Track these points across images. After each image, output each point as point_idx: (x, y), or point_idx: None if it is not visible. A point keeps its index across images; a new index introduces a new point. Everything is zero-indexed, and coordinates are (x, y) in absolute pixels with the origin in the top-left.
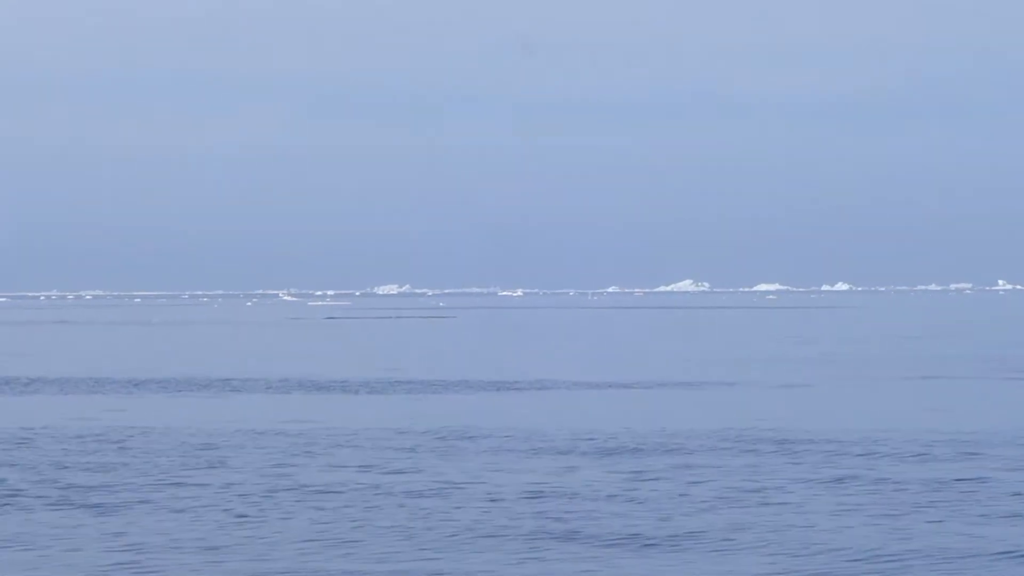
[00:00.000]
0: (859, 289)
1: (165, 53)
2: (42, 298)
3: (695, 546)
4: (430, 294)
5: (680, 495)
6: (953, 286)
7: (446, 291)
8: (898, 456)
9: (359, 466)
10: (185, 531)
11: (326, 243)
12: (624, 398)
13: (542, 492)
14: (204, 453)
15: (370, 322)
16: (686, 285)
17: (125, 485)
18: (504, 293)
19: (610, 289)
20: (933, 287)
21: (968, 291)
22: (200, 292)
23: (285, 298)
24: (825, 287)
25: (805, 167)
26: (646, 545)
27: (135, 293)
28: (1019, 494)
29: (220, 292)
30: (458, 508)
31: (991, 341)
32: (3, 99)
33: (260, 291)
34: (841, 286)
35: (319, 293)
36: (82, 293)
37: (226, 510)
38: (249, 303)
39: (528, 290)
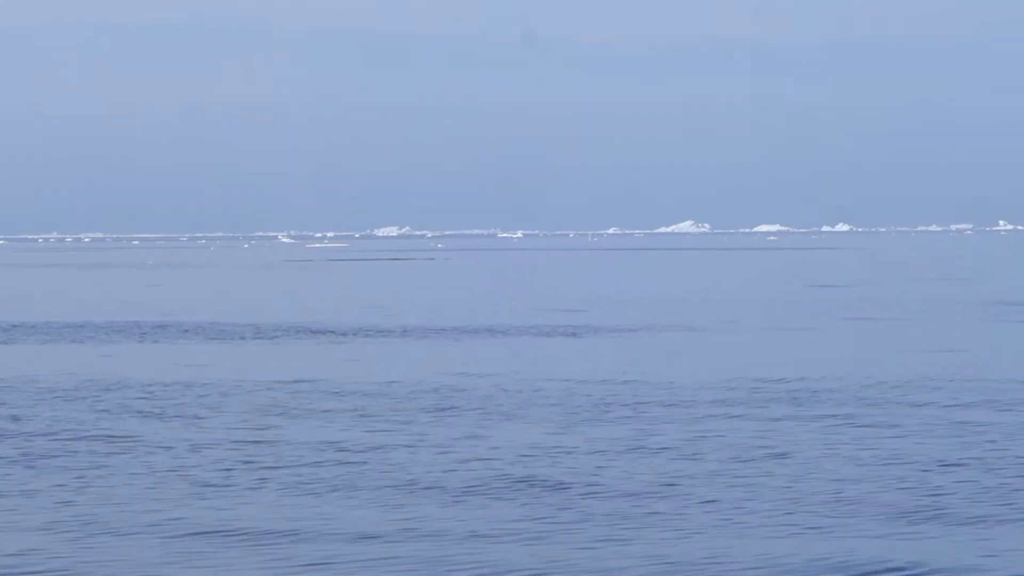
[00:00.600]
0: (860, 230)
1: (175, 9)
2: (40, 241)
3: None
4: (429, 236)
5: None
6: (954, 227)
7: (446, 233)
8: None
9: (347, 423)
10: (140, 498)
11: (327, 186)
12: (617, 345)
13: (539, 452)
14: (179, 407)
15: (364, 264)
16: (687, 226)
17: (88, 438)
18: (504, 235)
19: (610, 230)
20: (934, 228)
21: (969, 232)
22: (200, 235)
23: (284, 240)
24: (826, 228)
25: (808, 110)
26: (649, 512)
27: (134, 236)
28: None
29: (220, 235)
30: (450, 471)
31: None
32: (12, 44)
33: (260, 233)
34: (842, 227)
35: (318, 235)
36: (81, 236)
37: (192, 473)
38: (246, 245)
39: (528, 231)
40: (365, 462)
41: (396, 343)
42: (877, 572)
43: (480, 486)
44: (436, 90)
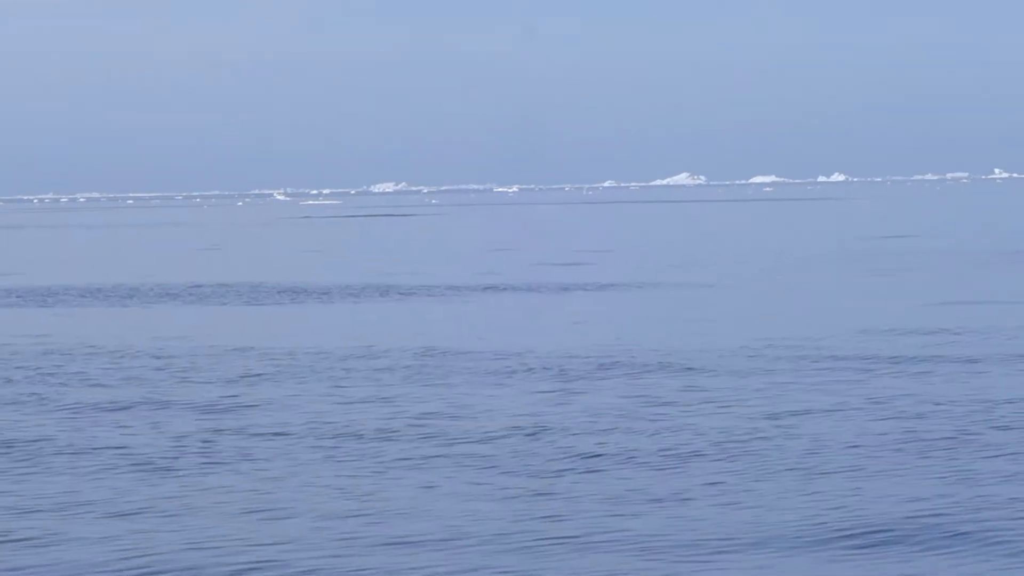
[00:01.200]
0: (855, 180)
1: None
2: (35, 201)
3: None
4: (425, 191)
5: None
6: (949, 175)
7: (443, 188)
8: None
9: (320, 394)
10: (86, 491)
11: (324, 142)
12: (607, 301)
13: (539, 422)
14: (139, 380)
15: (347, 221)
16: (683, 178)
17: (34, 422)
18: (500, 189)
19: (606, 183)
20: (930, 176)
21: (964, 180)
22: (196, 193)
23: (279, 198)
24: (821, 178)
25: (800, 59)
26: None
27: (130, 195)
28: None
29: (216, 193)
30: (446, 446)
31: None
32: None
33: (256, 191)
34: (837, 177)
35: (315, 192)
36: (77, 196)
37: (142, 460)
38: (240, 203)
39: (524, 186)
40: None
41: (389, 303)
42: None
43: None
44: (431, 43)
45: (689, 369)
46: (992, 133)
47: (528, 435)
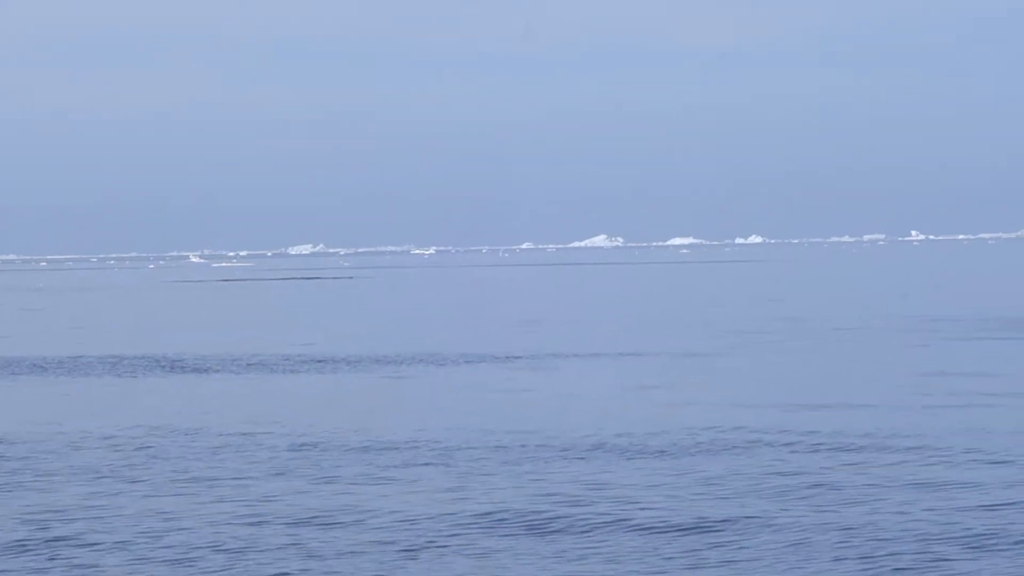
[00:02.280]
0: (773, 241)
1: (78, 17)
2: None
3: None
4: (343, 253)
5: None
6: (866, 237)
7: (360, 250)
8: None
9: (203, 482)
10: None
11: (243, 205)
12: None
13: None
14: None
15: (256, 284)
16: (600, 240)
17: None
18: (416, 251)
19: (524, 245)
20: (847, 238)
21: (881, 242)
22: (113, 255)
23: (194, 260)
24: (739, 240)
25: (717, 121)
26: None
27: (46, 257)
28: None
29: (133, 255)
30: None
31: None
32: None
33: (175, 253)
34: (755, 239)
35: (231, 254)
36: None
37: None
38: (152, 266)
39: (441, 248)
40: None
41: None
42: None
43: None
44: (352, 104)
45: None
46: (909, 196)
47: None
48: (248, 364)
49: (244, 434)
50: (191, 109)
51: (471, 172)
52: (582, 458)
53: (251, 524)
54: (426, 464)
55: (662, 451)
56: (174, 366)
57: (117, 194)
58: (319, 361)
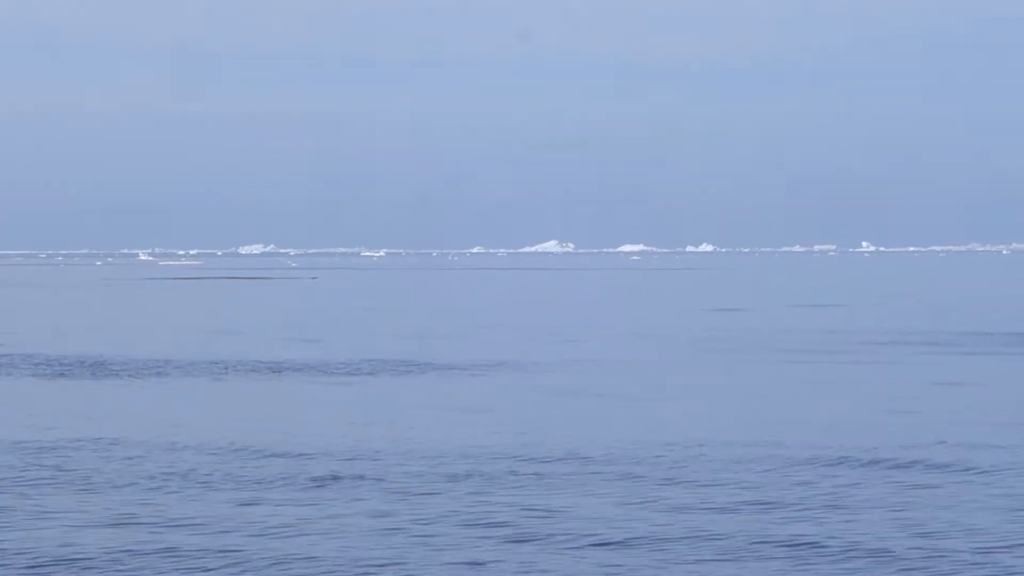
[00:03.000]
0: (723, 250)
1: (34, 13)
2: None
3: None
4: (292, 254)
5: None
6: (817, 247)
7: (310, 251)
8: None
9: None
10: None
11: (195, 203)
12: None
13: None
14: None
15: (191, 284)
16: (551, 246)
17: None
18: (367, 253)
19: (475, 249)
20: (797, 248)
21: (832, 253)
22: (63, 252)
23: (143, 258)
24: (690, 248)
25: (672, 130)
26: None
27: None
28: None
29: (84, 251)
30: None
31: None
32: None
33: (126, 250)
34: (706, 247)
35: (181, 253)
36: None
37: None
38: (99, 263)
39: (392, 250)
40: None
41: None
42: None
43: None
44: (306, 105)
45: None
46: (860, 207)
47: None
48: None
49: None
50: (147, 108)
51: (424, 175)
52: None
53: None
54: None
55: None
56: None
57: (70, 191)
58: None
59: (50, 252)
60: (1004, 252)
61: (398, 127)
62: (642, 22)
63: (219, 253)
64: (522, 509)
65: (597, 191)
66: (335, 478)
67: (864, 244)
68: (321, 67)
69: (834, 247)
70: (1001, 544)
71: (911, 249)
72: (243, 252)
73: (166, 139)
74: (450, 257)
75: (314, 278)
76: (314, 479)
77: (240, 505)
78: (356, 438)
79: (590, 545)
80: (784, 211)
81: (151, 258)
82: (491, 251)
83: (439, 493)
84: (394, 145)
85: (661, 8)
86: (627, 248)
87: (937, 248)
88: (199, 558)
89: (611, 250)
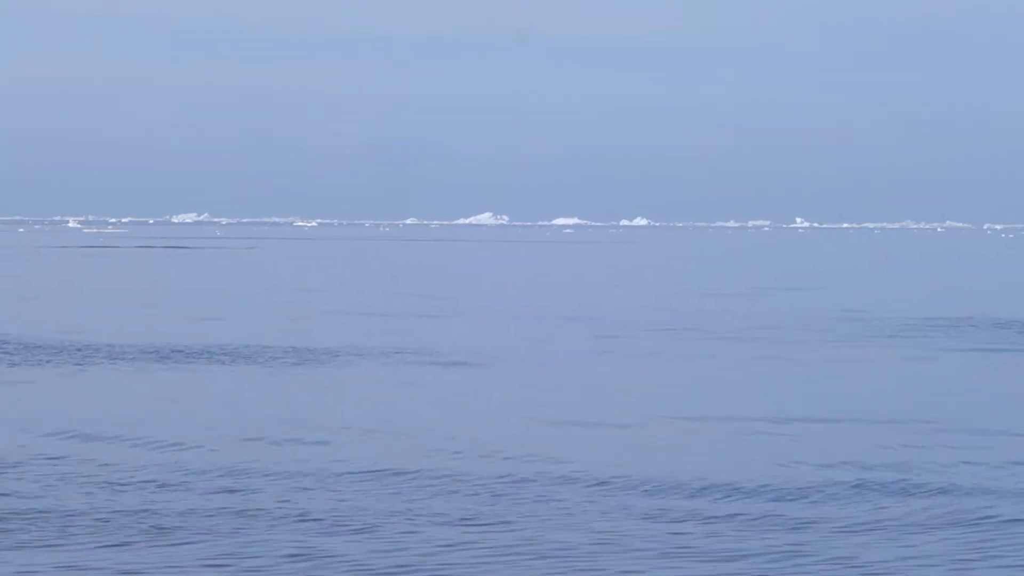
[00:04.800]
0: (657, 224)
1: None
2: None
3: None
4: (224, 223)
5: None
6: (751, 223)
7: (243, 220)
8: None
9: None
10: None
11: (128, 170)
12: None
13: None
14: None
15: (106, 252)
16: (486, 218)
17: None
18: (300, 223)
19: (408, 221)
20: (732, 224)
21: (766, 228)
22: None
23: (71, 225)
24: (624, 222)
25: (609, 106)
26: None
27: None
28: None
29: (17, 218)
30: None
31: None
32: None
33: (57, 217)
34: (640, 221)
35: (113, 220)
36: None
37: None
38: (21, 229)
39: (325, 221)
40: None
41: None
42: None
43: None
44: (252, 77)
45: None
46: (794, 183)
47: None
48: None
49: None
50: (88, 76)
51: (358, 146)
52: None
53: None
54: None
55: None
56: None
57: (7, 157)
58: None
59: None
60: (939, 230)
61: (338, 98)
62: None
63: (151, 221)
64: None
65: (532, 164)
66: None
67: (798, 220)
68: (257, 40)
69: (768, 223)
70: None
71: (845, 226)
72: (175, 220)
73: (103, 108)
74: (381, 228)
75: (252, 248)
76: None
77: None
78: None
79: None
80: (720, 186)
81: (78, 225)
82: (424, 222)
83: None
84: (332, 116)
85: None
86: (561, 221)
87: (871, 225)
88: None
89: (545, 223)
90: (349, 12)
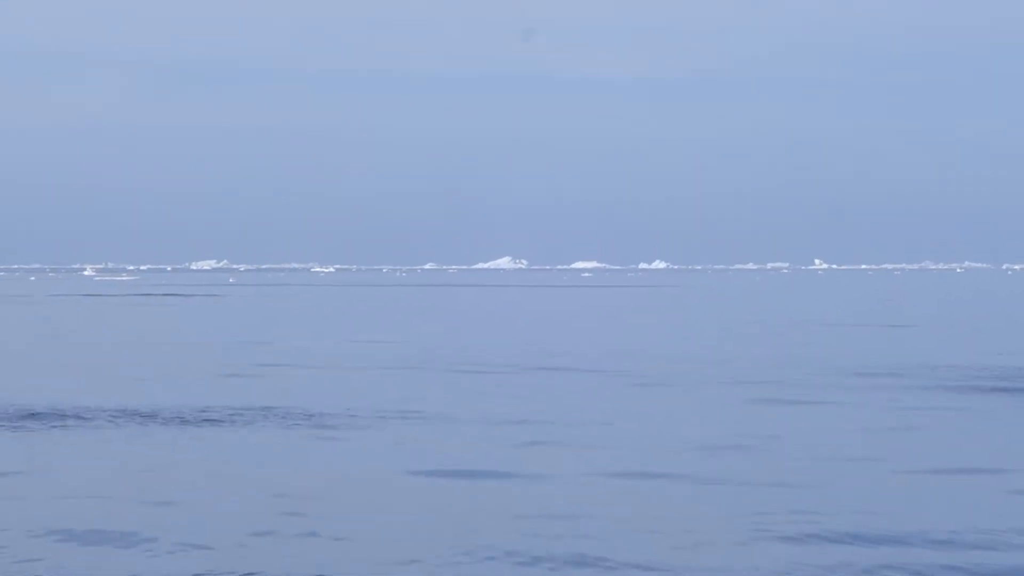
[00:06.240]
0: (676, 267)
1: None
2: None
3: None
4: (242, 270)
5: None
6: (770, 265)
7: (263, 267)
8: None
9: None
10: None
11: (151, 217)
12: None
13: None
14: None
15: (113, 301)
16: (505, 262)
17: None
18: (317, 269)
19: (427, 266)
20: (751, 266)
21: (785, 270)
22: (16, 266)
23: (86, 273)
24: (643, 265)
25: (626, 146)
26: None
27: None
28: None
29: (36, 266)
30: None
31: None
32: None
33: (77, 265)
34: (659, 264)
35: (131, 268)
36: None
37: None
38: (33, 278)
39: (343, 266)
40: None
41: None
42: None
43: None
44: (261, 119)
45: None
46: (813, 225)
47: None
48: None
49: None
50: (114, 121)
51: (376, 191)
52: None
53: None
54: None
55: None
56: None
57: (22, 203)
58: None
59: (4, 267)
60: (958, 270)
61: (359, 141)
62: (583, 37)
63: (169, 269)
64: None
65: (552, 208)
66: None
67: (817, 262)
68: (276, 81)
69: (787, 265)
70: None
71: (864, 267)
72: (194, 268)
73: (126, 152)
74: (399, 273)
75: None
76: None
77: None
78: None
79: None
80: (738, 229)
81: (94, 273)
82: (443, 267)
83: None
84: (353, 160)
85: (602, 25)
86: (580, 265)
87: (890, 266)
88: None
89: (564, 267)
90: (368, 51)
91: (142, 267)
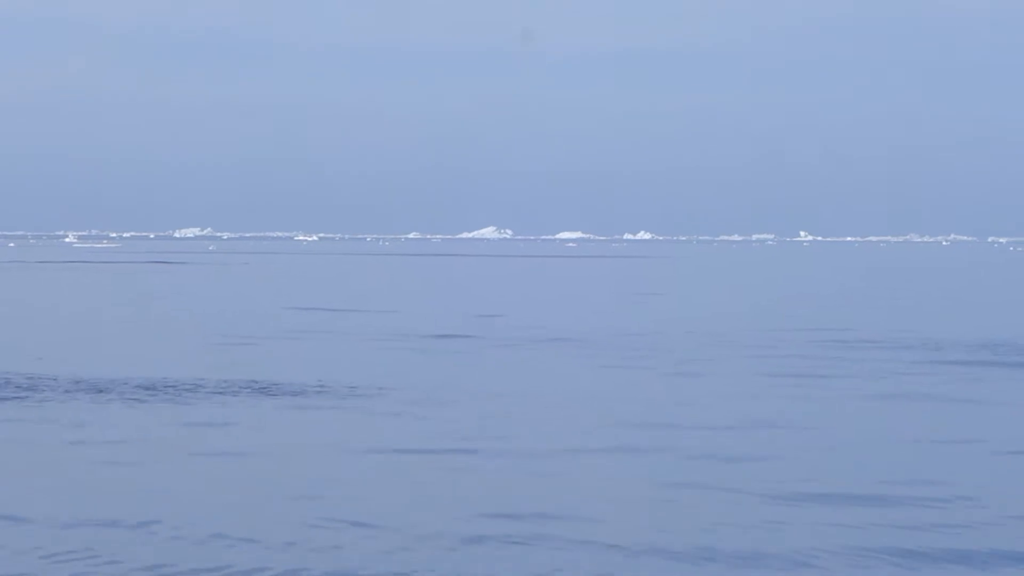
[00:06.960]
0: (661, 238)
1: None
2: None
3: None
4: (225, 238)
5: None
6: (755, 237)
7: (246, 235)
8: None
9: None
10: None
11: (135, 185)
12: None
13: None
14: None
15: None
16: (489, 232)
17: None
18: (300, 238)
19: (411, 235)
20: (736, 237)
21: (771, 242)
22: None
23: (68, 240)
24: (628, 236)
25: (610, 116)
26: None
27: None
28: None
29: (20, 233)
30: None
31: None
32: None
33: (60, 232)
34: (644, 235)
35: (113, 235)
36: None
37: None
38: (12, 244)
39: (327, 235)
40: None
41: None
42: None
43: None
44: (250, 89)
45: None
46: (799, 197)
47: None
48: None
49: None
50: (99, 90)
51: (363, 159)
52: None
53: None
54: None
55: None
56: None
57: (2, 171)
58: None
59: None
60: (943, 243)
61: (343, 111)
62: (569, 8)
63: (151, 236)
64: None
65: (536, 176)
66: None
67: (803, 234)
68: (262, 53)
69: (772, 236)
70: None
71: (849, 239)
72: (177, 235)
73: (108, 121)
74: (381, 242)
75: (246, 263)
76: None
77: None
78: None
79: None
80: (723, 200)
81: (76, 240)
82: (427, 236)
83: None
84: (337, 129)
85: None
86: (565, 235)
87: (874, 238)
88: None
89: (549, 237)
90: (352, 24)
91: (124, 234)
